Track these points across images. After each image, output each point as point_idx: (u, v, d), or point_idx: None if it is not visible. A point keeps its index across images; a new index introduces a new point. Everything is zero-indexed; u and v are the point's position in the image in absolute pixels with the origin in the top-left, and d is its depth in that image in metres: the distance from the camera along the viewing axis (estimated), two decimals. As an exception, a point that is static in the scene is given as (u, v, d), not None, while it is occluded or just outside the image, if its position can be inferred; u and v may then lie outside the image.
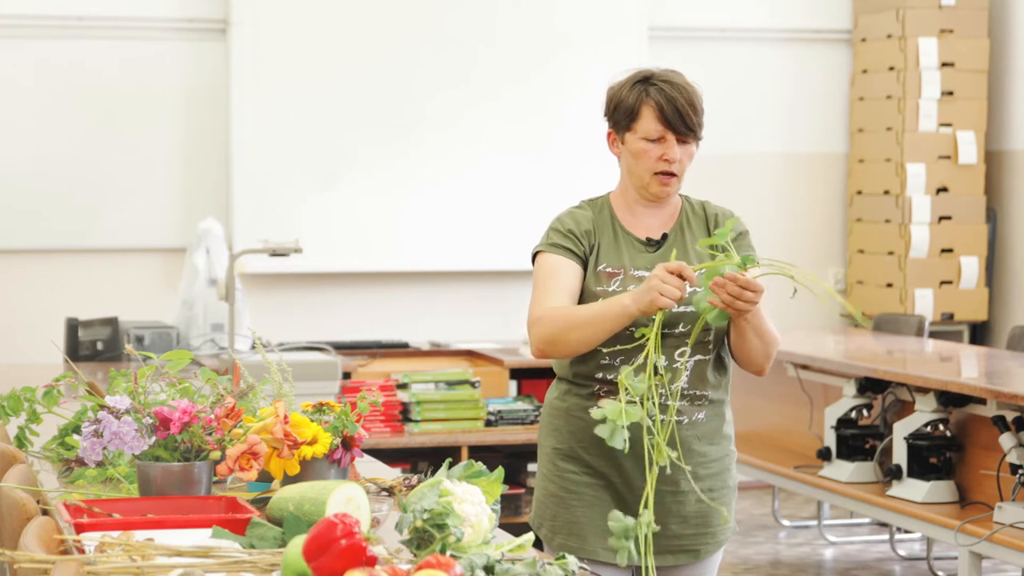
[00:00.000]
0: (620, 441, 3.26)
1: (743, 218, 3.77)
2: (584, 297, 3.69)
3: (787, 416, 7.36)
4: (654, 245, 3.71)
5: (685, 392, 3.67)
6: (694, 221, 3.74)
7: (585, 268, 3.70)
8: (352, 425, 3.35)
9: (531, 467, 7.09)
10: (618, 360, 3.64)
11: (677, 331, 3.64)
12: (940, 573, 7.00)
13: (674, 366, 3.65)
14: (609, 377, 3.66)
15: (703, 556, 3.77)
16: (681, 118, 3.64)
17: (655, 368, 3.62)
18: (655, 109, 3.64)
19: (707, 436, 3.72)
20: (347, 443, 3.36)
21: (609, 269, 3.68)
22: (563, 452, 3.75)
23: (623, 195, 3.77)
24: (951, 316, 8.87)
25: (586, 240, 3.71)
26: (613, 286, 3.66)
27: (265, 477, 3.33)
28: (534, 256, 3.74)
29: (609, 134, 3.75)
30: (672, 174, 3.67)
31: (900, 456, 6.25)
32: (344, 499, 2.92)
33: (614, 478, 3.71)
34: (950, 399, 6.13)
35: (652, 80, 3.68)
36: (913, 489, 6.17)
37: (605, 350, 3.64)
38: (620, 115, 3.70)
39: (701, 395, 3.69)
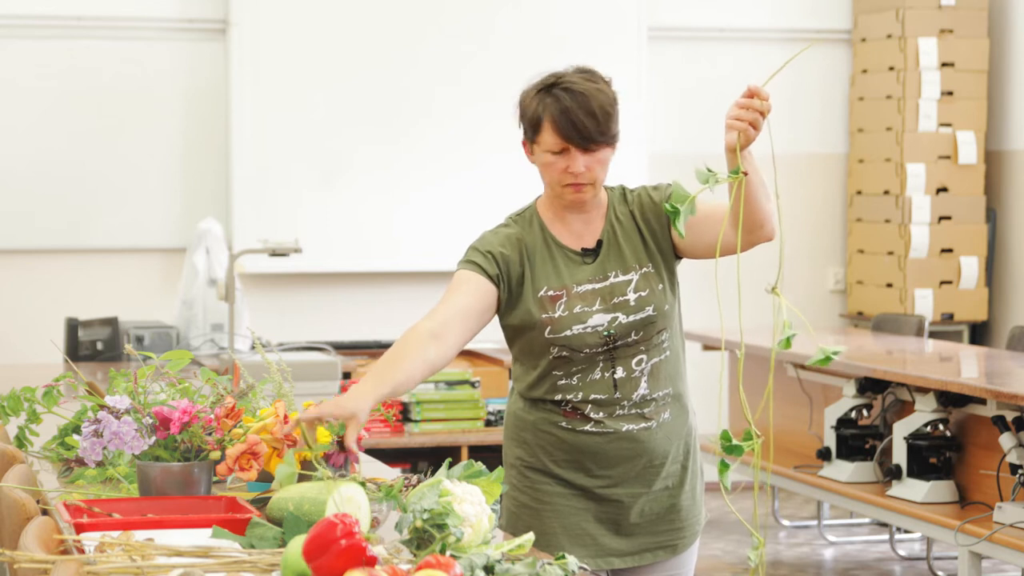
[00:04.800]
0: None
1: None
2: (533, 328, 3.59)
3: (787, 416, 7.36)
4: (591, 255, 3.62)
5: (648, 398, 3.62)
6: (623, 215, 3.65)
7: (500, 289, 3.58)
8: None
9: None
10: (575, 379, 3.60)
11: (631, 339, 3.59)
12: (940, 573, 7.00)
13: (632, 376, 3.60)
14: (568, 397, 3.60)
15: (680, 550, 3.75)
16: (577, 130, 3.50)
17: (614, 383, 3.60)
18: (551, 122, 3.52)
19: (675, 432, 3.69)
20: (343, 445, 3.35)
21: (552, 292, 3.58)
22: (531, 465, 3.70)
23: (550, 203, 3.67)
24: (951, 316, 8.87)
25: (504, 264, 3.58)
26: (559, 311, 3.57)
27: (265, 477, 3.33)
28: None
29: (524, 142, 3.64)
30: (582, 184, 3.57)
31: (900, 456, 6.25)
32: (344, 499, 2.92)
33: (587, 487, 3.67)
34: (950, 399, 6.13)
35: (554, 88, 3.54)
36: (913, 489, 6.17)
37: (559, 372, 3.60)
38: (526, 125, 3.59)
39: (664, 394, 3.64)
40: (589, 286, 3.59)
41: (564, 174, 3.56)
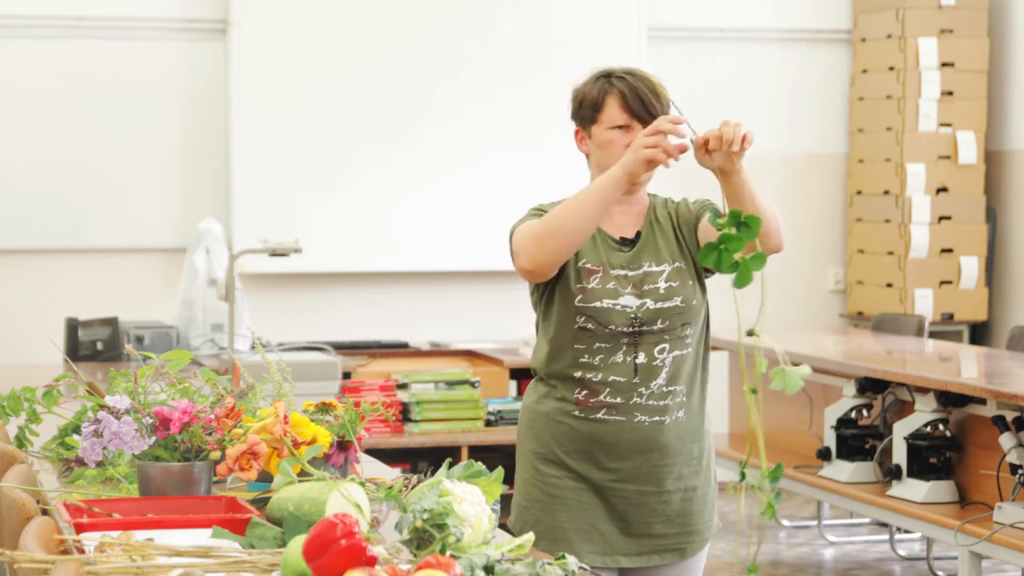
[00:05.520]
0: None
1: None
2: (566, 294, 3.69)
3: (787, 416, 7.36)
4: (628, 244, 3.73)
5: (666, 390, 3.68)
6: (662, 217, 3.76)
7: None
8: (352, 429, 3.34)
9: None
10: (597, 359, 3.67)
11: (656, 327, 3.66)
12: (940, 573, 7.00)
13: (653, 364, 3.66)
14: (588, 376, 3.68)
15: (688, 555, 3.78)
16: (644, 105, 3.66)
17: (635, 368, 3.65)
18: (619, 98, 3.68)
19: (688, 434, 3.73)
20: (343, 445, 3.36)
21: (589, 265, 3.69)
22: (544, 456, 3.75)
23: None
24: (951, 316, 8.87)
25: None
26: (593, 282, 3.67)
27: (265, 477, 3.33)
28: (512, 233, 3.69)
29: (577, 132, 3.78)
30: None
31: (900, 456, 6.25)
32: (344, 499, 2.91)
33: (598, 481, 3.72)
34: (950, 399, 6.13)
35: (613, 74, 3.73)
36: (913, 489, 6.17)
37: (581, 346, 3.66)
38: (585, 109, 3.73)
39: (680, 390, 3.70)
40: (623, 271, 3.69)
41: (625, 150, 3.64)
